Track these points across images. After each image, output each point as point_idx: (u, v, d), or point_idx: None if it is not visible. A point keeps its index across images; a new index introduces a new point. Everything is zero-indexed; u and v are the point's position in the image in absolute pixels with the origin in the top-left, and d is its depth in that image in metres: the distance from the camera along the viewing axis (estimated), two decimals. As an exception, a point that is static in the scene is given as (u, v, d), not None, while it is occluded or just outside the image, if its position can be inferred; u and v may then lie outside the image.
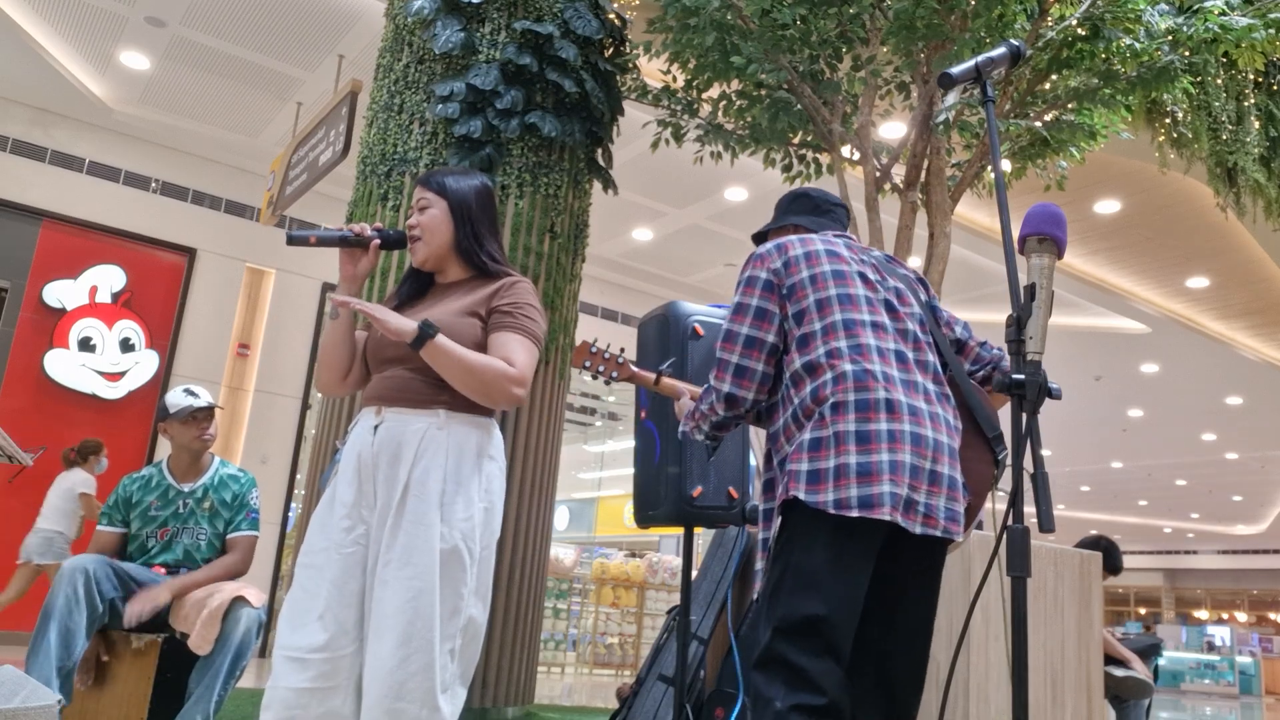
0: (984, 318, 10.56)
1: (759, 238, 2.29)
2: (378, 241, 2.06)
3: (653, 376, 2.36)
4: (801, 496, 1.75)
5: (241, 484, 3.32)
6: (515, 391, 1.92)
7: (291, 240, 1.99)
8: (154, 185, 8.28)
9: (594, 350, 2.46)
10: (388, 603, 1.81)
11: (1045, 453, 16.57)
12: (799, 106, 4.84)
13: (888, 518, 1.72)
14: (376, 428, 1.94)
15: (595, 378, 2.43)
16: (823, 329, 1.88)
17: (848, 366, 1.82)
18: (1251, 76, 6.04)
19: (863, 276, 1.97)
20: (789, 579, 1.76)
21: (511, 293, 2.03)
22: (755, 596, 3.36)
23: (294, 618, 1.86)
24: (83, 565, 2.89)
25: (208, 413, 3.25)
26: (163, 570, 3.16)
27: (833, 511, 1.73)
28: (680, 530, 3.08)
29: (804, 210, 2.22)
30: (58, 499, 6.20)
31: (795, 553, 1.77)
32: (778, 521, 1.83)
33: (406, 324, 1.85)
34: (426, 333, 1.85)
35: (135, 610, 2.92)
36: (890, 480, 1.73)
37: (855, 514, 1.72)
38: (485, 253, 2.08)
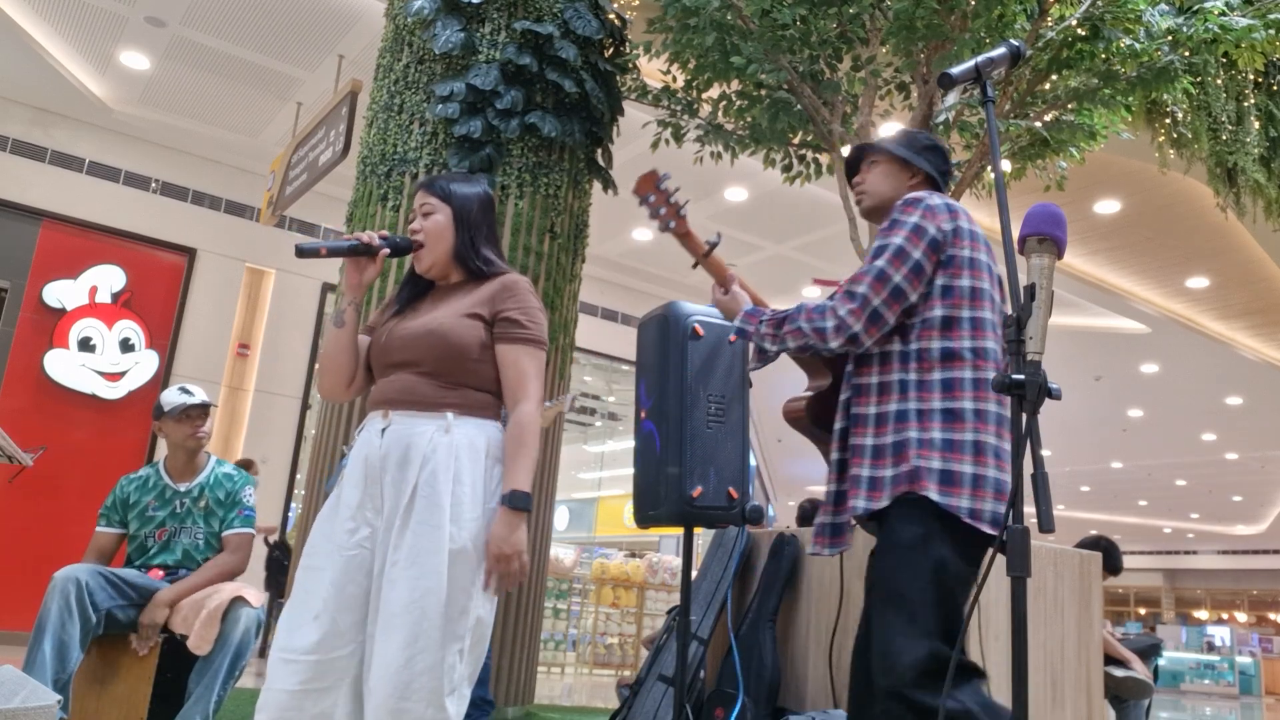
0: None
1: (854, 161, 2.12)
2: (386, 250, 2.07)
3: (705, 247, 2.19)
4: (935, 498, 1.74)
5: (235, 482, 3.32)
6: (539, 417, 2.00)
7: (301, 252, 1.99)
8: (154, 185, 8.28)
9: (661, 187, 2.22)
10: (395, 603, 1.81)
11: (1045, 453, 16.56)
12: (799, 107, 4.84)
13: (996, 535, 1.72)
14: (384, 431, 1.95)
15: (651, 217, 2.22)
16: (971, 320, 1.83)
17: (990, 374, 1.79)
18: (1251, 76, 6.04)
19: (994, 277, 1.94)
20: (947, 582, 1.73)
21: (514, 296, 2.04)
22: (753, 594, 3.37)
23: (291, 620, 1.87)
24: (75, 576, 2.87)
25: (201, 410, 3.24)
26: (161, 574, 3.15)
27: (966, 520, 1.73)
28: (680, 530, 3.08)
29: (940, 168, 2.08)
30: None
31: (938, 554, 1.74)
32: (884, 506, 1.79)
33: (519, 535, 1.88)
34: (524, 506, 1.89)
35: (143, 642, 2.98)
36: (1000, 499, 1.77)
37: (988, 529, 1.72)
38: (481, 258, 2.09)
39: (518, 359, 2.00)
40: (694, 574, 3.37)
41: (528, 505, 1.87)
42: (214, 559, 3.22)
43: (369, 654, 1.83)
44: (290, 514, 8.46)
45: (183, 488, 3.24)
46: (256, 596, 3.08)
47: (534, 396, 1.99)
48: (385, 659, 1.79)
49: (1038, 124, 4.82)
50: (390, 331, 2.05)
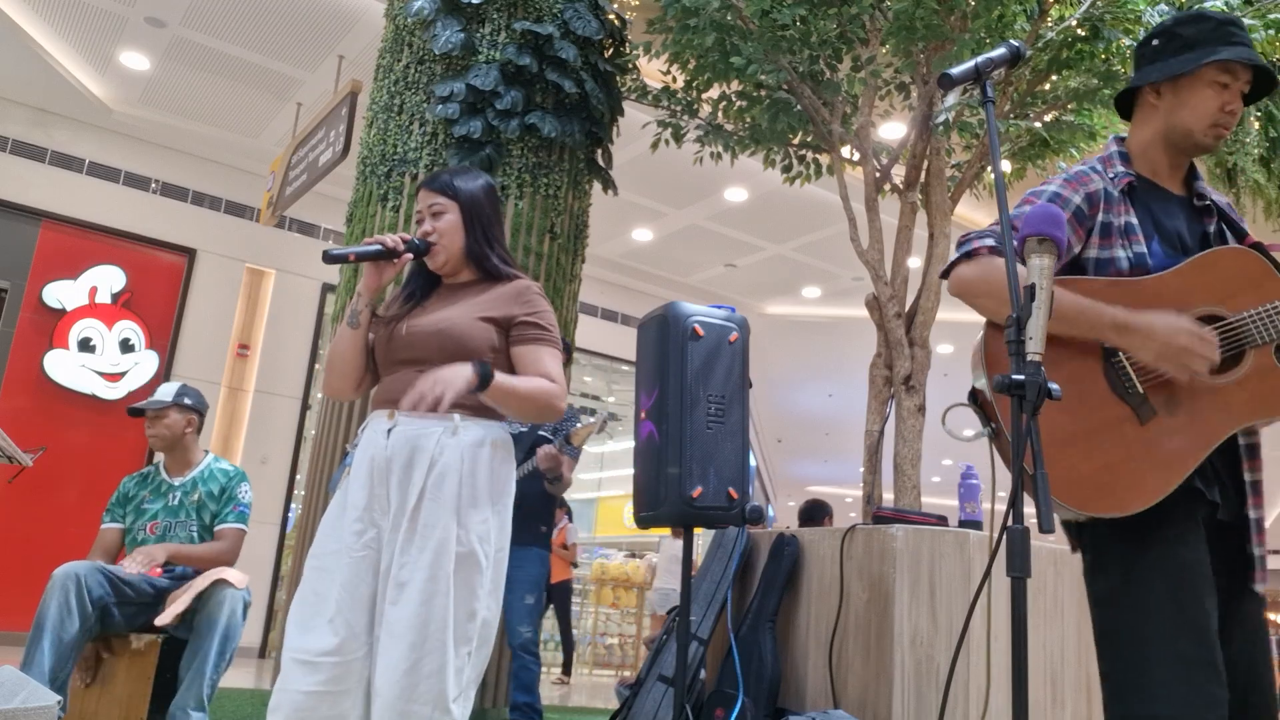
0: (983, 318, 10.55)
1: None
2: (409, 255, 2.07)
3: None
4: None
5: (230, 477, 3.36)
6: (561, 405, 1.97)
7: (330, 258, 1.97)
8: (154, 185, 8.28)
9: None
10: (402, 606, 1.80)
11: (1045, 453, 16.47)
12: (799, 107, 4.84)
13: None
14: (389, 431, 1.93)
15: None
16: None
17: None
18: (1251, 77, 6.02)
19: None
20: None
21: (529, 300, 2.04)
22: (753, 594, 3.37)
23: (303, 620, 1.85)
24: (74, 573, 2.88)
25: (154, 413, 3.32)
26: (160, 571, 3.16)
27: None
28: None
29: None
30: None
31: None
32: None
33: (465, 374, 1.83)
34: (485, 375, 1.85)
35: (134, 563, 3.02)
36: None
37: None
38: (496, 255, 2.09)
39: (539, 357, 1.99)
40: (694, 574, 3.37)
41: (487, 373, 1.84)
42: (211, 542, 3.29)
43: (375, 655, 1.83)
44: (290, 514, 8.46)
45: (177, 481, 3.31)
46: (240, 578, 3.10)
47: (559, 380, 1.97)
48: (392, 662, 1.77)
49: (1038, 124, 4.82)
50: (398, 328, 2.04)
